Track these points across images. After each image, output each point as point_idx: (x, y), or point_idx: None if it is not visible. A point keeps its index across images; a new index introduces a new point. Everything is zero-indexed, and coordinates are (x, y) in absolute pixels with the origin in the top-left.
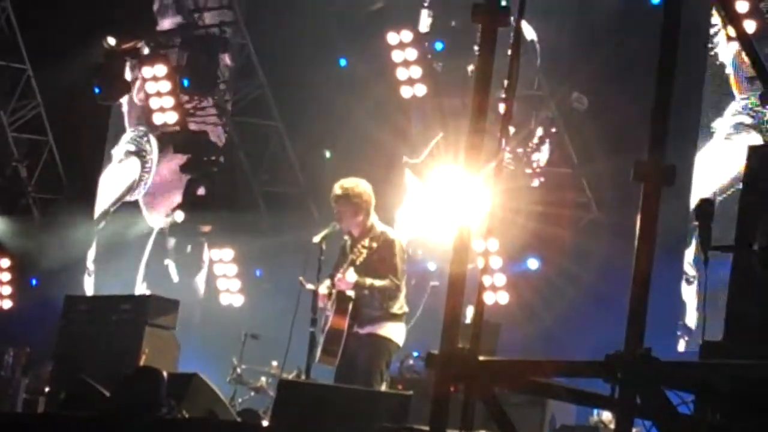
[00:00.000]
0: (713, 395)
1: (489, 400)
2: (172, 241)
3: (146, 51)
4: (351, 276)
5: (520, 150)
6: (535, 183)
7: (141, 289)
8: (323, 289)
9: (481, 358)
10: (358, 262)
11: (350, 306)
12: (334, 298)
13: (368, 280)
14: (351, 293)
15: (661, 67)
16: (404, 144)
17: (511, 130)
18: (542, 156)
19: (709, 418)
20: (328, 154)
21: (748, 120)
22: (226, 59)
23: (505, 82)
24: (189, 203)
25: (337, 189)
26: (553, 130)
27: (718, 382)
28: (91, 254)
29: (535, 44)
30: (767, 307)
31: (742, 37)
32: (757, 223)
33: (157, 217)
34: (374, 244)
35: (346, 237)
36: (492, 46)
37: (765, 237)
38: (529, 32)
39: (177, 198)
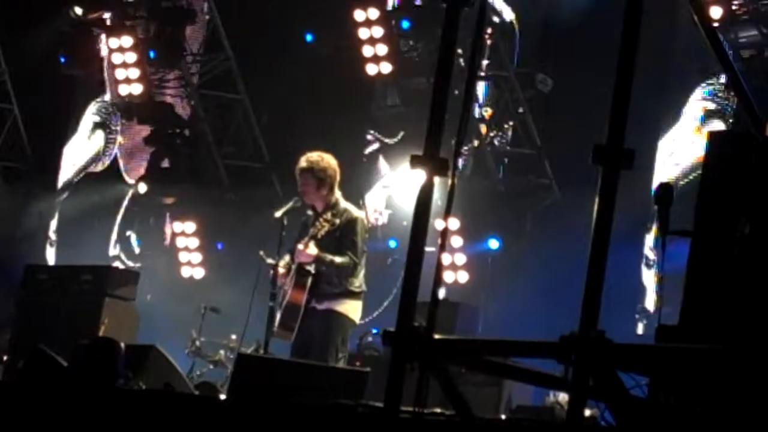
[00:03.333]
0: (667, 379)
1: (444, 378)
2: (134, 213)
3: (112, 22)
4: (312, 250)
5: (483, 129)
6: (498, 163)
7: (114, 251)
8: (282, 265)
9: (436, 336)
10: (318, 236)
11: (309, 281)
12: (294, 272)
13: (328, 256)
14: (311, 268)
15: (623, 50)
16: (369, 121)
17: (488, 110)
18: (506, 136)
19: (663, 402)
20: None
21: (712, 106)
22: (193, 32)
23: (483, 63)
24: (152, 175)
25: (302, 162)
26: (518, 111)
27: (672, 366)
28: (54, 224)
29: (514, 25)
30: (723, 292)
31: (706, 24)
32: (739, 211)
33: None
34: (336, 220)
35: (309, 211)
36: (456, 26)
37: (746, 224)
38: (507, 13)
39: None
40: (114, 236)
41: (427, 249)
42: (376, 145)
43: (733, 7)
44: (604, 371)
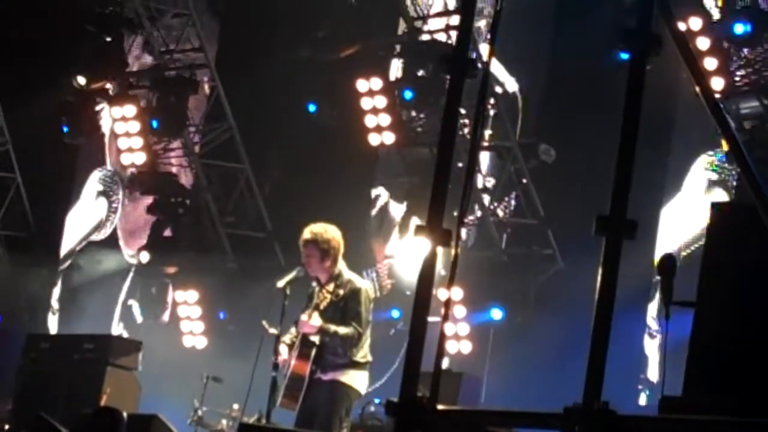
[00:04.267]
0: None
1: None
2: (136, 282)
3: (116, 91)
4: (315, 320)
5: (487, 200)
6: (501, 233)
7: (118, 329)
8: (289, 339)
9: (440, 406)
10: (321, 307)
11: (313, 351)
12: (298, 342)
13: (332, 327)
14: (315, 339)
15: (625, 121)
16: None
17: (491, 180)
18: (509, 207)
19: None
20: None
21: (714, 176)
22: (196, 102)
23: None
24: (155, 244)
25: (306, 233)
26: (523, 181)
27: None
28: (56, 293)
29: (517, 96)
30: (726, 363)
31: (708, 95)
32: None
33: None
34: (340, 291)
35: (313, 283)
36: (458, 96)
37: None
38: (511, 84)
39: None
40: (117, 313)
41: (431, 319)
42: (383, 199)
43: (735, 79)
44: None
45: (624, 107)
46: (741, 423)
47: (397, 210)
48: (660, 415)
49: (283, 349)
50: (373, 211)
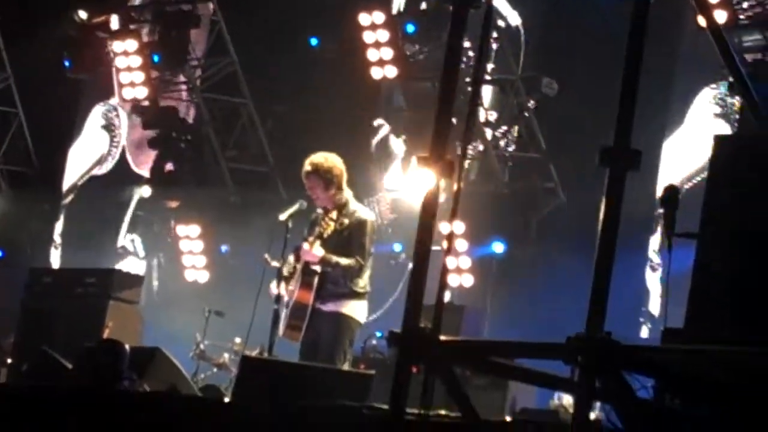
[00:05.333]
0: (673, 380)
1: (449, 379)
2: (138, 217)
3: (117, 26)
4: (318, 250)
5: (489, 134)
6: (503, 167)
7: (125, 241)
8: (286, 270)
9: (442, 337)
10: (324, 235)
11: (315, 280)
12: (299, 271)
13: (334, 258)
14: (317, 268)
15: (628, 53)
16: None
17: (494, 114)
18: (511, 140)
19: (669, 403)
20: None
21: (718, 109)
22: (197, 36)
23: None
24: (156, 178)
25: (306, 165)
26: (524, 115)
27: (678, 367)
28: (59, 228)
29: (520, 30)
30: (728, 295)
31: (712, 27)
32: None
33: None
34: (345, 220)
35: (318, 210)
36: (462, 29)
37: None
38: (513, 18)
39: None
40: (124, 228)
41: (433, 248)
42: (384, 131)
43: (738, 12)
44: (611, 372)
45: (627, 39)
46: (742, 352)
47: (397, 144)
48: (662, 345)
49: (273, 284)
50: (374, 141)
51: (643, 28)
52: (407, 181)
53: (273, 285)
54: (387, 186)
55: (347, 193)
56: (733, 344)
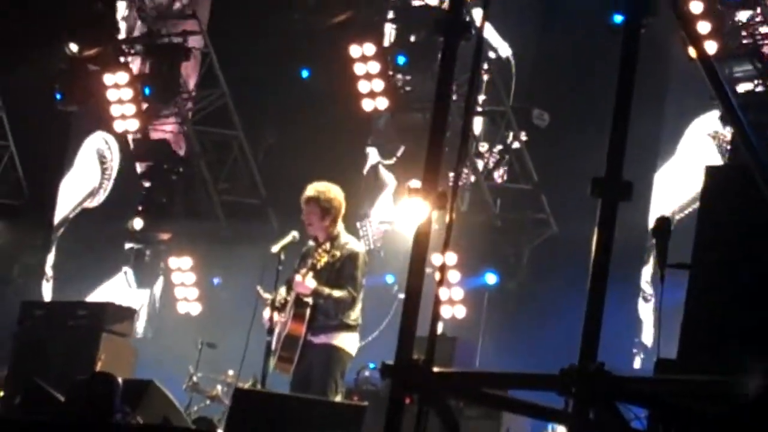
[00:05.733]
0: (666, 411)
1: (443, 411)
2: (130, 249)
3: (109, 58)
4: (311, 282)
5: (481, 165)
6: (495, 198)
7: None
8: (278, 300)
9: (435, 369)
10: (318, 267)
11: (308, 312)
12: (291, 303)
13: (326, 290)
14: (309, 300)
15: (619, 83)
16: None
17: (485, 145)
18: (502, 171)
19: None
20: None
21: (709, 140)
22: (189, 68)
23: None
24: (149, 211)
25: (309, 190)
26: (515, 146)
27: (671, 398)
28: (50, 260)
29: (510, 62)
30: (721, 325)
31: (702, 58)
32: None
33: None
34: (337, 252)
35: (310, 242)
36: (452, 60)
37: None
38: (504, 49)
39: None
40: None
41: (427, 269)
42: (374, 159)
43: (728, 43)
44: (604, 403)
45: (619, 69)
46: (735, 383)
47: (387, 175)
48: (655, 376)
49: (266, 313)
50: (365, 169)
51: (634, 59)
52: (399, 212)
53: (266, 312)
54: (376, 217)
55: (340, 226)
56: (726, 375)
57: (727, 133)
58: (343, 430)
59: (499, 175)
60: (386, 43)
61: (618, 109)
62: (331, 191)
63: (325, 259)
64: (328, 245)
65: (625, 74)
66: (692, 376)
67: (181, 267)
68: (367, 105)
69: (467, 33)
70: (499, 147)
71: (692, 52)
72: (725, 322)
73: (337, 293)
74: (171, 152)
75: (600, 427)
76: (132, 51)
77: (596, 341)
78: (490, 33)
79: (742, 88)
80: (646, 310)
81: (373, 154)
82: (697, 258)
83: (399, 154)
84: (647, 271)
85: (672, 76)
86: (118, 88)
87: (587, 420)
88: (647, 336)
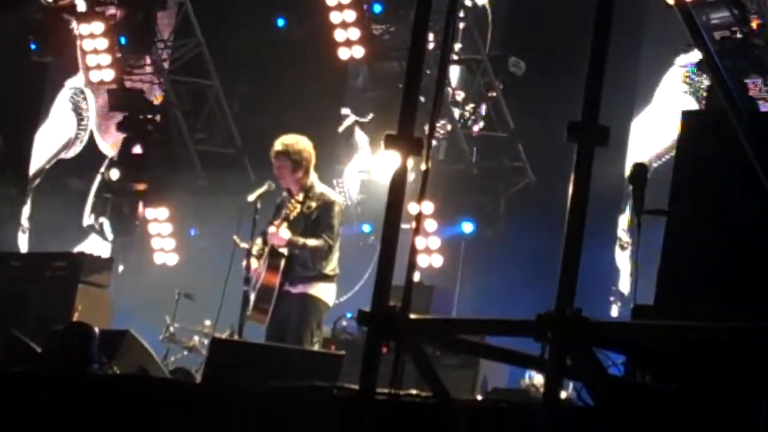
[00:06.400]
0: (643, 357)
1: (419, 358)
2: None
3: (83, 8)
4: (284, 233)
5: (457, 113)
6: (471, 147)
7: (89, 221)
8: (255, 251)
9: (412, 316)
10: (291, 218)
11: (282, 263)
12: (267, 254)
13: (301, 240)
14: (284, 250)
15: (596, 29)
16: (343, 105)
17: (461, 94)
18: (479, 120)
19: (640, 380)
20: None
21: (686, 87)
22: (164, 18)
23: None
24: (124, 161)
25: (277, 144)
26: (491, 94)
27: (648, 344)
28: (26, 211)
29: (486, 10)
30: (697, 271)
31: (680, 4)
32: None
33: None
34: (312, 203)
35: (284, 193)
36: (428, 8)
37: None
38: None
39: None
40: (88, 208)
41: (402, 226)
42: (350, 120)
43: None
44: (581, 349)
45: (595, 16)
46: (710, 328)
47: (361, 137)
48: (632, 321)
49: (252, 262)
50: (340, 129)
51: (610, 5)
52: (376, 163)
53: (254, 263)
54: (352, 171)
55: (313, 177)
56: (703, 320)
57: (705, 79)
58: (320, 379)
59: (474, 123)
60: None
61: (594, 54)
62: (300, 143)
63: (297, 209)
64: (301, 196)
65: (602, 20)
66: (669, 321)
67: (158, 217)
68: (344, 54)
69: None
70: (476, 95)
71: None
72: (702, 268)
73: (312, 242)
74: (146, 102)
75: (577, 374)
76: (107, 0)
77: (573, 287)
78: None
79: (719, 35)
80: (623, 258)
81: (350, 116)
82: (674, 204)
83: (371, 116)
84: (624, 219)
85: (649, 23)
86: (94, 38)
87: (564, 366)
88: (624, 284)
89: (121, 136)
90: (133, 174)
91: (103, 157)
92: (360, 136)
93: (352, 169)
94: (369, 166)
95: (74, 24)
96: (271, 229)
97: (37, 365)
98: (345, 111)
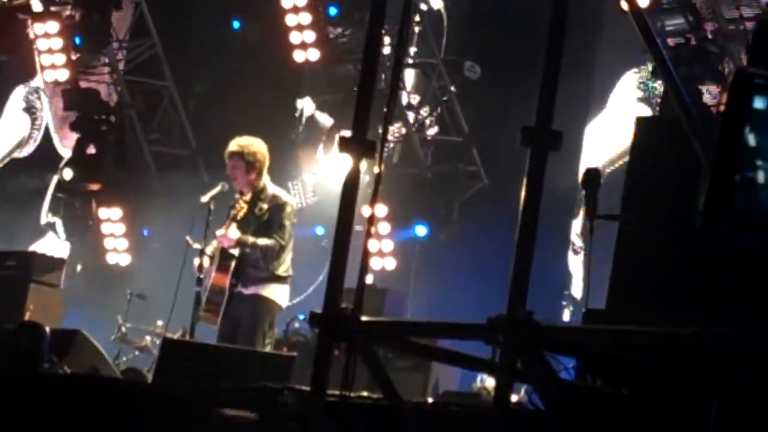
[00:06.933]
0: (594, 361)
1: (371, 360)
2: (60, 199)
3: (39, 8)
4: (233, 233)
5: (412, 117)
6: (426, 150)
7: (47, 218)
8: (210, 252)
9: (363, 318)
10: (238, 218)
11: (233, 264)
12: (218, 255)
13: (251, 239)
14: (235, 251)
15: (550, 34)
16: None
17: (416, 97)
18: (433, 124)
19: (590, 384)
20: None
21: (639, 93)
22: (119, 18)
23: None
24: (78, 161)
25: (232, 145)
26: (445, 98)
27: (599, 348)
28: None
29: (442, 14)
30: (649, 276)
31: (634, 11)
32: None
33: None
34: (264, 205)
35: (237, 195)
36: (382, 10)
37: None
38: (435, 1)
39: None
40: (46, 206)
41: (356, 227)
42: (309, 110)
43: None
44: (532, 352)
45: (549, 21)
46: (661, 332)
47: (324, 118)
48: (582, 325)
49: (206, 262)
50: (301, 127)
51: (564, 11)
52: (329, 164)
53: (196, 260)
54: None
55: (265, 179)
56: (654, 325)
57: (658, 86)
58: (271, 380)
59: (429, 127)
60: None
61: (548, 59)
62: (254, 144)
63: (245, 209)
64: (249, 196)
65: (556, 26)
66: (620, 326)
67: (111, 218)
68: (299, 56)
69: None
70: (430, 99)
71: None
72: (653, 273)
73: (262, 241)
74: (101, 102)
75: (528, 377)
76: (63, 0)
77: (524, 290)
78: None
79: (674, 41)
80: (575, 263)
81: (308, 106)
82: (626, 210)
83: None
84: (577, 224)
85: (603, 30)
86: (48, 38)
87: (515, 369)
88: (576, 289)
89: None
90: (86, 174)
91: (60, 156)
92: (322, 118)
93: (310, 177)
94: (321, 168)
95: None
96: (220, 231)
97: None
98: (301, 103)
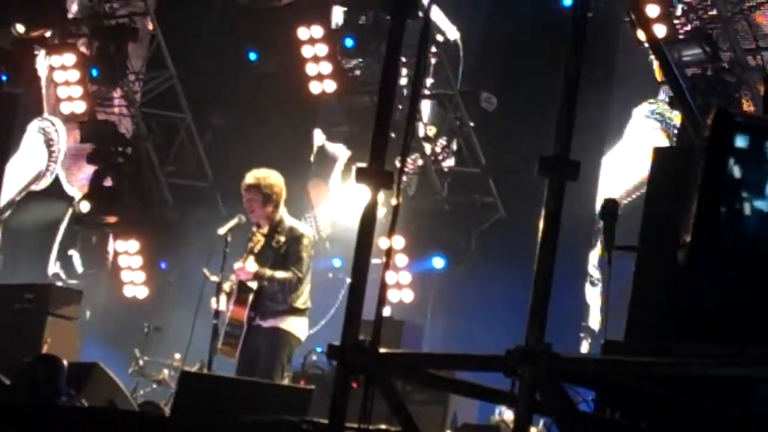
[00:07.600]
0: (613, 393)
1: (389, 393)
2: (76, 232)
3: (55, 40)
4: (251, 266)
5: (428, 148)
6: (443, 182)
7: (54, 269)
8: (227, 287)
9: (381, 350)
10: (255, 250)
11: (251, 297)
12: (235, 288)
13: (268, 271)
14: (252, 285)
15: (567, 65)
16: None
17: (432, 129)
18: (450, 155)
19: (609, 416)
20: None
21: (656, 124)
22: (136, 50)
23: (428, 82)
24: (95, 194)
25: (249, 178)
26: (462, 129)
27: (618, 379)
28: None
29: (458, 45)
30: (667, 307)
31: (652, 41)
32: (680, 219)
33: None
34: (281, 237)
35: (254, 228)
36: (399, 40)
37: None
38: (452, 32)
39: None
40: (54, 254)
41: (372, 261)
42: (319, 141)
43: (676, 26)
44: (551, 384)
45: (566, 52)
46: (680, 364)
47: (336, 148)
48: (602, 357)
49: (222, 299)
50: (312, 157)
51: (581, 43)
52: (346, 196)
53: (213, 299)
54: (334, 185)
55: (282, 211)
56: (673, 356)
57: (675, 116)
58: (289, 414)
59: (446, 159)
60: (334, 25)
61: (565, 89)
62: (271, 177)
63: (262, 242)
64: (266, 229)
65: (573, 57)
66: (638, 357)
67: (128, 250)
68: (315, 88)
69: (413, 11)
70: (448, 131)
71: (642, 35)
72: (672, 305)
73: (280, 274)
74: (118, 134)
75: (547, 409)
76: (79, 32)
77: (543, 322)
78: (437, 16)
79: (690, 72)
80: (593, 295)
81: (318, 137)
82: (644, 240)
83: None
84: (594, 256)
85: (620, 60)
86: (65, 70)
87: (534, 401)
88: (594, 320)
89: (87, 179)
90: (103, 206)
91: (67, 194)
92: (334, 148)
93: (326, 209)
94: (338, 201)
95: (42, 56)
96: (237, 264)
97: (4, 397)
98: (316, 133)
